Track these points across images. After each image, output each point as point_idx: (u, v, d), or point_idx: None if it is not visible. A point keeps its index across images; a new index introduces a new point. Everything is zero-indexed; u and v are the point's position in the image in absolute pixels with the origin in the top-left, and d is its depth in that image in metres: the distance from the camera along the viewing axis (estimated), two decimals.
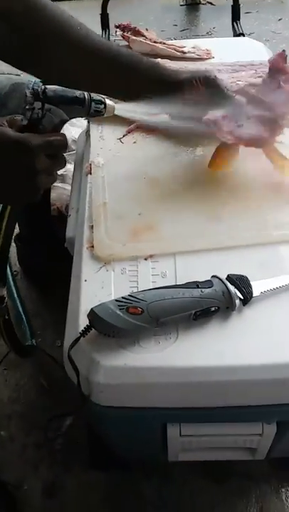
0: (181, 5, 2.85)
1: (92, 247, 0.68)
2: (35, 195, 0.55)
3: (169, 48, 1.06)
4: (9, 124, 0.55)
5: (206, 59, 1.07)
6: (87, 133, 0.93)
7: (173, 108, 0.69)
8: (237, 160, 0.76)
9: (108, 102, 0.60)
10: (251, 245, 0.67)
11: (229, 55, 1.07)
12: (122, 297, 0.57)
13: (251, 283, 0.60)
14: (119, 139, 0.85)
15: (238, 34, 1.49)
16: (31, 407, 1.07)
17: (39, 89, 0.54)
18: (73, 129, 1.44)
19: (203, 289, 0.58)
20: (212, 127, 0.71)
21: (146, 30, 1.10)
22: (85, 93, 0.58)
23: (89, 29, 0.71)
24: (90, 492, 0.95)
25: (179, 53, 1.06)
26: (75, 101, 0.57)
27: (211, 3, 2.83)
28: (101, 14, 1.47)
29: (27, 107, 0.54)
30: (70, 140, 1.39)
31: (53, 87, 0.56)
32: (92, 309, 0.56)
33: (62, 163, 0.56)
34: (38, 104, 0.54)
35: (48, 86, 0.55)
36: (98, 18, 1.40)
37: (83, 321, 0.59)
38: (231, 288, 0.58)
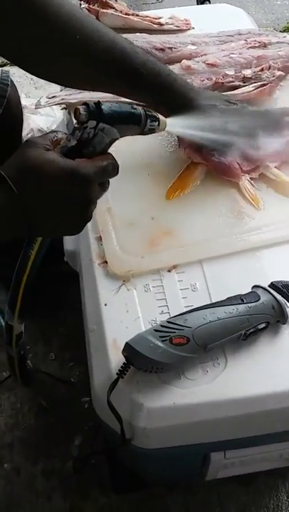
0: None
1: (105, 262, 0.59)
2: (84, 225, 0.47)
3: (144, 21, 0.95)
4: (53, 145, 0.45)
5: (186, 30, 0.96)
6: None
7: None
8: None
9: (161, 117, 0.52)
10: (285, 242, 0.60)
11: (209, 24, 0.97)
12: (161, 325, 0.48)
13: None
14: None
15: (202, 0, 1.39)
16: (33, 432, 0.97)
17: (94, 106, 0.45)
18: (36, 117, 1.30)
19: (249, 304, 0.50)
20: None
21: (116, 1, 0.98)
22: (140, 108, 0.49)
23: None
24: None
25: (155, 25, 0.95)
26: (132, 119, 0.48)
27: None
28: None
29: (77, 125, 0.46)
30: (36, 130, 1.26)
31: (108, 104, 0.46)
32: (128, 344, 0.48)
33: (107, 188, 0.48)
34: (91, 123, 0.45)
35: (102, 102, 0.46)
36: None
37: (114, 356, 0.51)
38: (281, 299, 0.51)
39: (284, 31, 2.06)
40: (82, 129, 0.45)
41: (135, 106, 0.49)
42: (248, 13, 1.12)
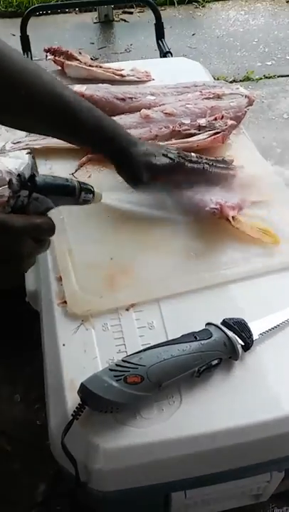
0: (94, 23, 2.81)
1: (65, 302, 0.60)
2: (12, 281, 0.47)
3: (107, 72, 1.00)
4: None
5: (146, 81, 1.03)
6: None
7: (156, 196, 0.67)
8: None
9: (96, 190, 0.55)
10: (238, 280, 0.62)
11: (168, 75, 1.04)
12: (116, 364, 0.49)
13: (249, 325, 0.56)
14: (72, 174, 0.78)
15: (164, 53, 1.47)
16: None
17: (26, 177, 0.48)
18: (5, 159, 1.33)
19: (202, 341, 0.52)
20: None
21: (80, 53, 1.03)
22: (75, 181, 0.53)
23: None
24: None
25: (118, 77, 1.00)
26: (66, 191, 0.51)
27: (124, 20, 2.82)
28: (21, 36, 1.37)
29: (11, 194, 0.48)
30: (4, 171, 1.28)
31: (43, 176, 0.49)
32: (83, 384, 0.48)
33: (47, 247, 0.50)
34: (24, 193, 0.48)
35: (36, 174, 0.49)
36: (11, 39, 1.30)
37: (71, 397, 0.51)
38: (232, 335, 0.53)
39: (244, 80, 2.19)
40: (16, 197, 0.47)
41: (70, 179, 0.52)
42: (210, 63, 1.20)
